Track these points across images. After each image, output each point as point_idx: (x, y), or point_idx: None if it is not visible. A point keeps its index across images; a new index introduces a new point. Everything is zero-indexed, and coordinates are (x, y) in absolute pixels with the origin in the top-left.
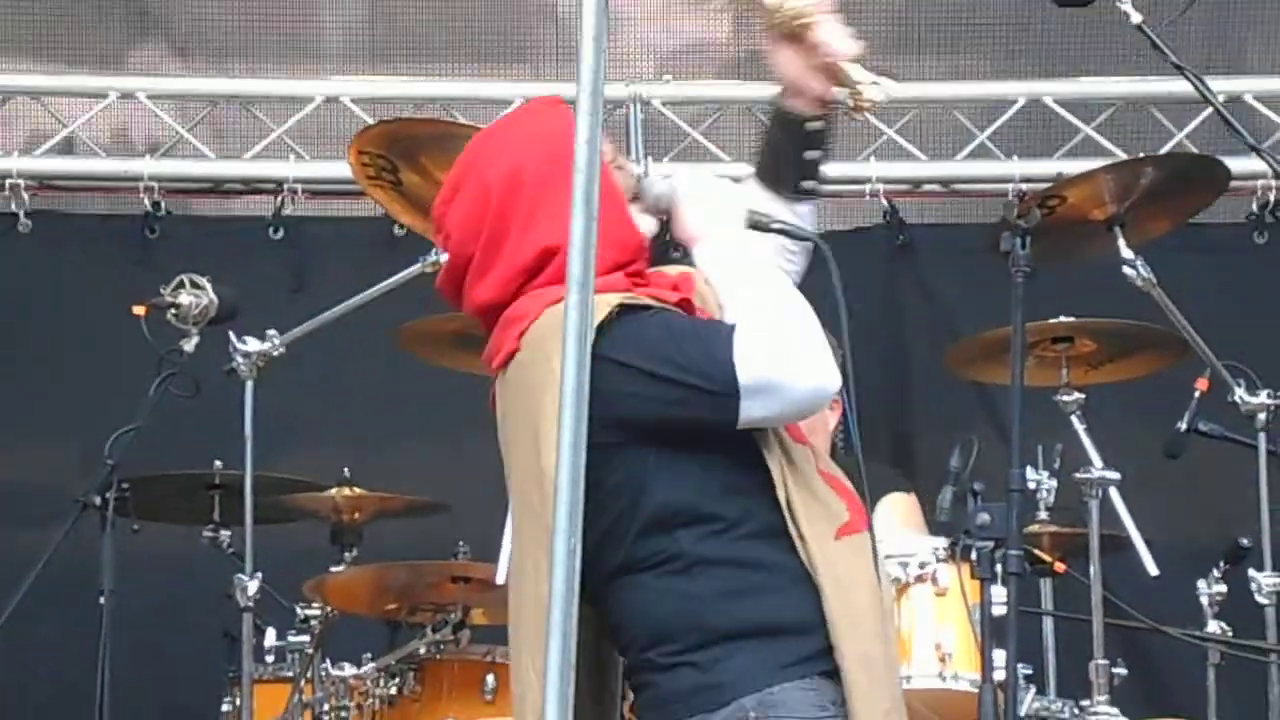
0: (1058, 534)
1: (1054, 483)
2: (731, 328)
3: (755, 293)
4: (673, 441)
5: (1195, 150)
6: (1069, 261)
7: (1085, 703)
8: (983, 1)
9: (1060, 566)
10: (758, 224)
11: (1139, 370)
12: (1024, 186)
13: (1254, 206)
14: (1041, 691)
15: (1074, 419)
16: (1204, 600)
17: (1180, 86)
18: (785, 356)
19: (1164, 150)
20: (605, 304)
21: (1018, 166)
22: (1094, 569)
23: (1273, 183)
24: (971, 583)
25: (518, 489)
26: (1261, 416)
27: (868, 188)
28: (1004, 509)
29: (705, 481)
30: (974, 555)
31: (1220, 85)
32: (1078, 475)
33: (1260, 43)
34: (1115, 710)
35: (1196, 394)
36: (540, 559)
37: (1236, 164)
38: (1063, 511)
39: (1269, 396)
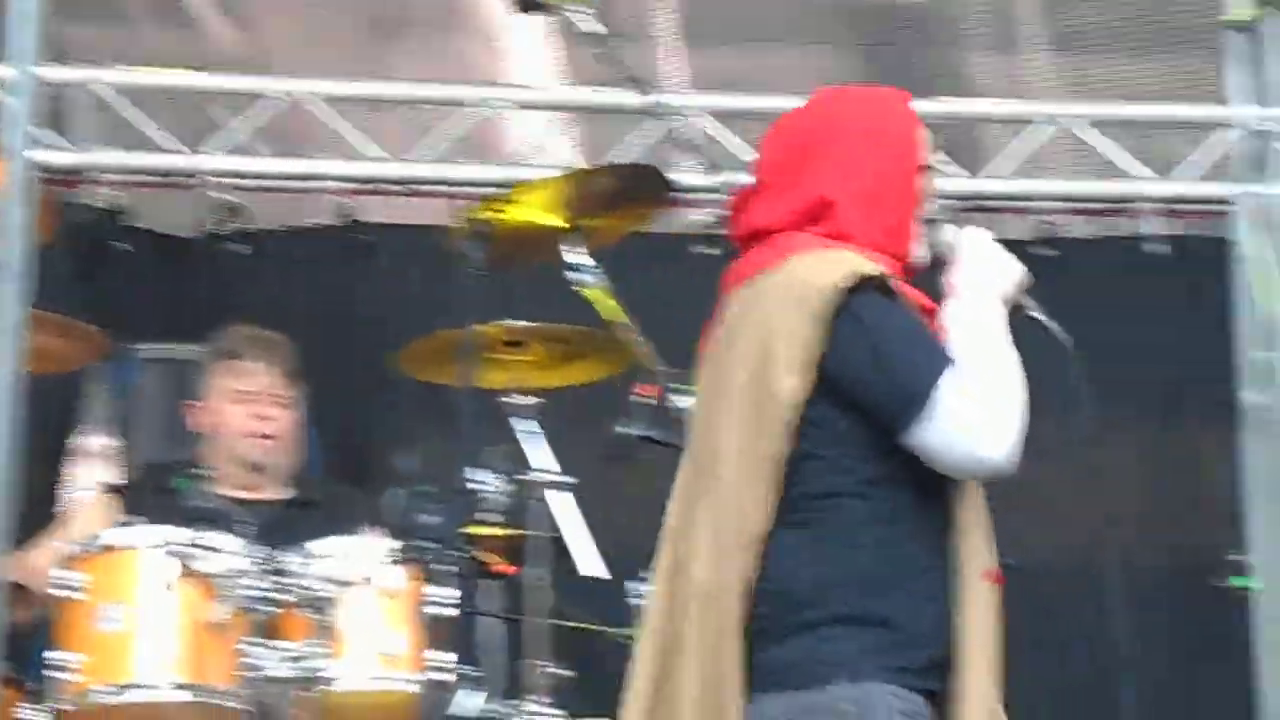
0: (508, 536)
1: (505, 485)
2: (951, 359)
3: (989, 357)
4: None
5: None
6: (523, 266)
7: (526, 703)
8: None
9: (505, 568)
10: (1019, 305)
11: (591, 375)
12: (482, 191)
13: (700, 218)
14: (486, 692)
15: (526, 422)
16: (634, 601)
17: (636, 99)
18: (978, 420)
19: (614, 160)
20: (866, 263)
21: (477, 171)
22: (536, 571)
23: (720, 196)
24: (420, 584)
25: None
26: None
27: (322, 185)
28: (450, 510)
29: (889, 467)
30: (432, 557)
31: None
32: (527, 477)
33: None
34: (558, 711)
35: (641, 399)
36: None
37: (683, 177)
38: (514, 514)
39: None
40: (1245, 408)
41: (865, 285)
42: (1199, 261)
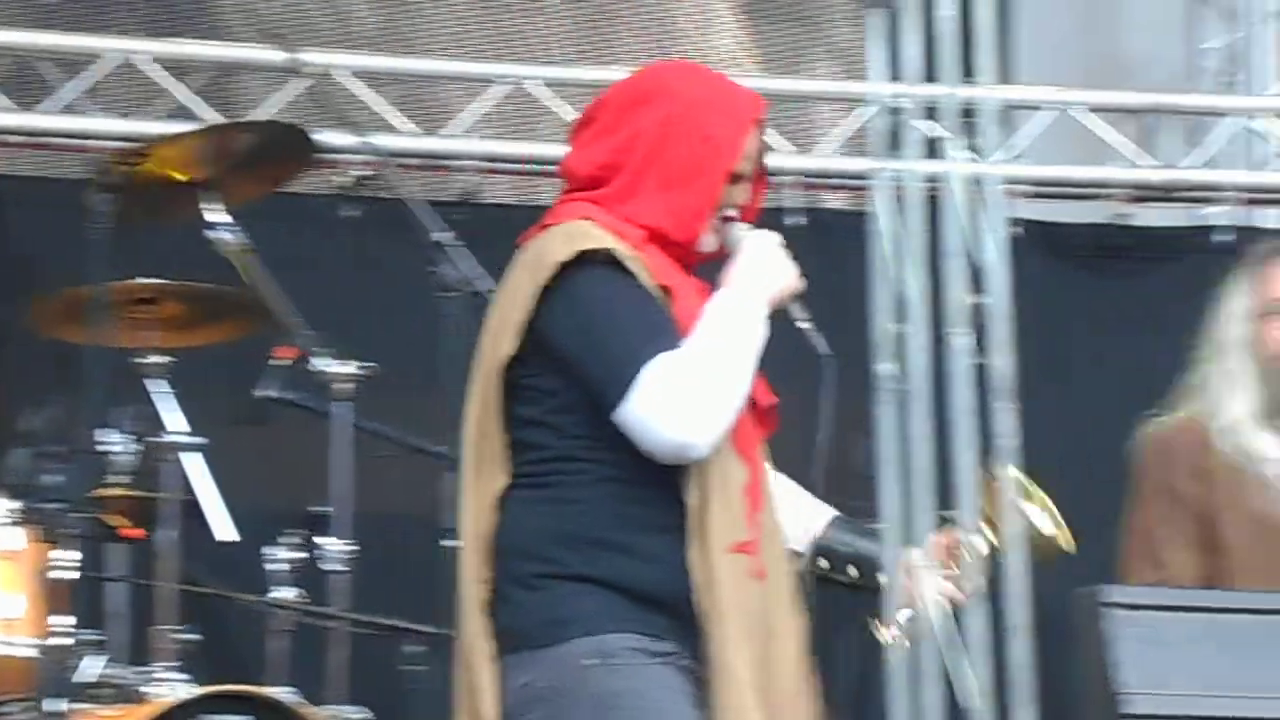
0: (138, 499)
1: (134, 446)
2: (666, 351)
3: (718, 348)
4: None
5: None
6: (159, 224)
7: (153, 669)
8: None
9: (130, 532)
10: (785, 309)
11: (227, 335)
12: (115, 145)
13: (344, 180)
14: (108, 656)
15: (157, 382)
16: (277, 566)
17: (275, 56)
18: (675, 406)
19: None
20: (595, 237)
21: (115, 125)
22: (165, 534)
23: (365, 158)
24: (42, 547)
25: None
26: (342, 387)
27: None
28: (76, 471)
29: (621, 435)
30: (56, 519)
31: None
32: (158, 439)
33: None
34: (186, 676)
35: (279, 362)
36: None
37: (327, 138)
38: (145, 476)
39: (356, 368)
40: (879, 380)
41: (589, 260)
42: (837, 235)
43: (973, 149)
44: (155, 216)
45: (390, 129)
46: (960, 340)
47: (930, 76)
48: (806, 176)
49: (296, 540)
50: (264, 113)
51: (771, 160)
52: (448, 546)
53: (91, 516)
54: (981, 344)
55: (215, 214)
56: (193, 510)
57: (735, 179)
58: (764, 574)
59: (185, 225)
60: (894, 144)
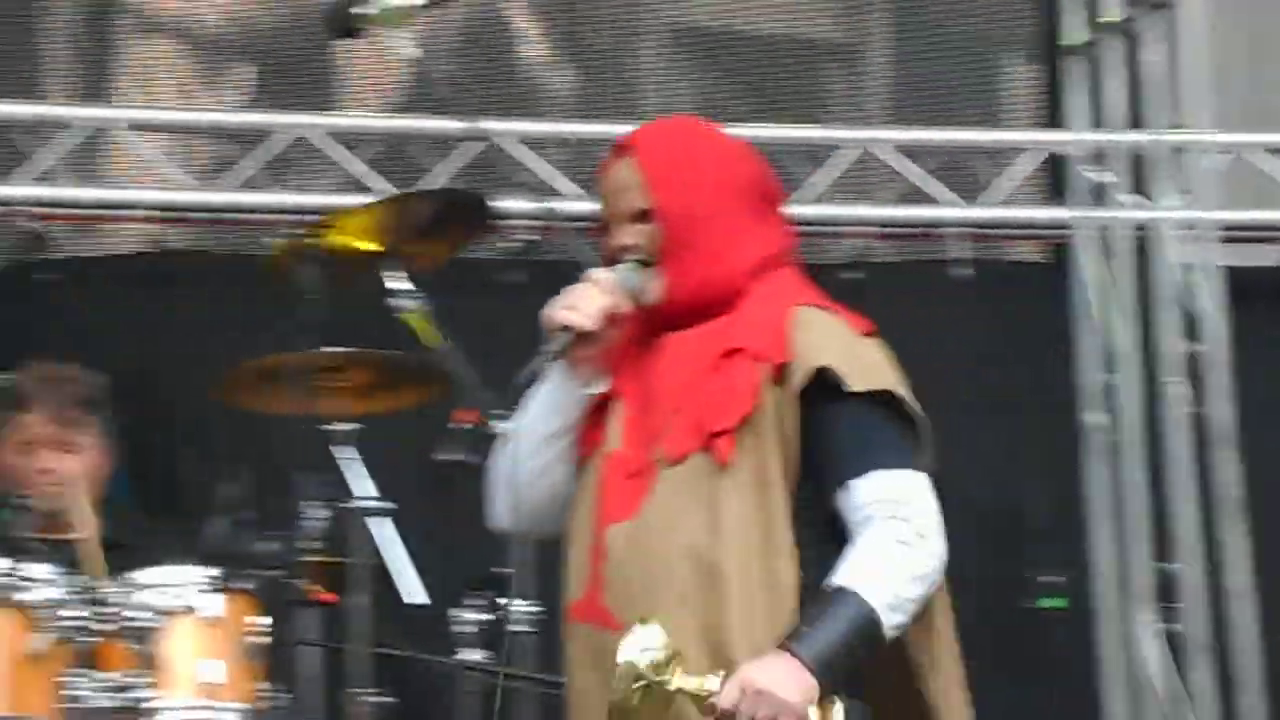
0: (329, 564)
1: (325, 512)
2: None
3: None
4: None
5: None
6: (342, 293)
7: None
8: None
9: (326, 596)
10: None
11: (411, 400)
12: (290, 218)
13: (512, 245)
14: None
15: (345, 449)
16: (464, 628)
17: (444, 124)
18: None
19: (427, 186)
20: None
21: (289, 198)
22: (356, 598)
23: (534, 223)
24: (240, 613)
25: None
26: None
27: (131, 212)
28: (285, 538)
29: None
30: (253, 585)
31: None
32: (348, 504)
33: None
34: None
35: (456, 425)
36: None
37: (500, 203)
38: (336, 541)
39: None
40: (1087, 429)
41: None
42: (1005, 284)
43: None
44: (338, 286)
45: (556, 194)
46: (1176, 389)
47: (1097, 123)
48: (975, 228)
49: (483, 602)
50: (432, 181)
51: (938, 212)
52: None
53: (288, 582)
54: (1197, 392)
55: (397, 281)
56: (382, 574)
57: (606, 226)
58: (608, 623)
59: (366, 294)
60: (1058, 191)
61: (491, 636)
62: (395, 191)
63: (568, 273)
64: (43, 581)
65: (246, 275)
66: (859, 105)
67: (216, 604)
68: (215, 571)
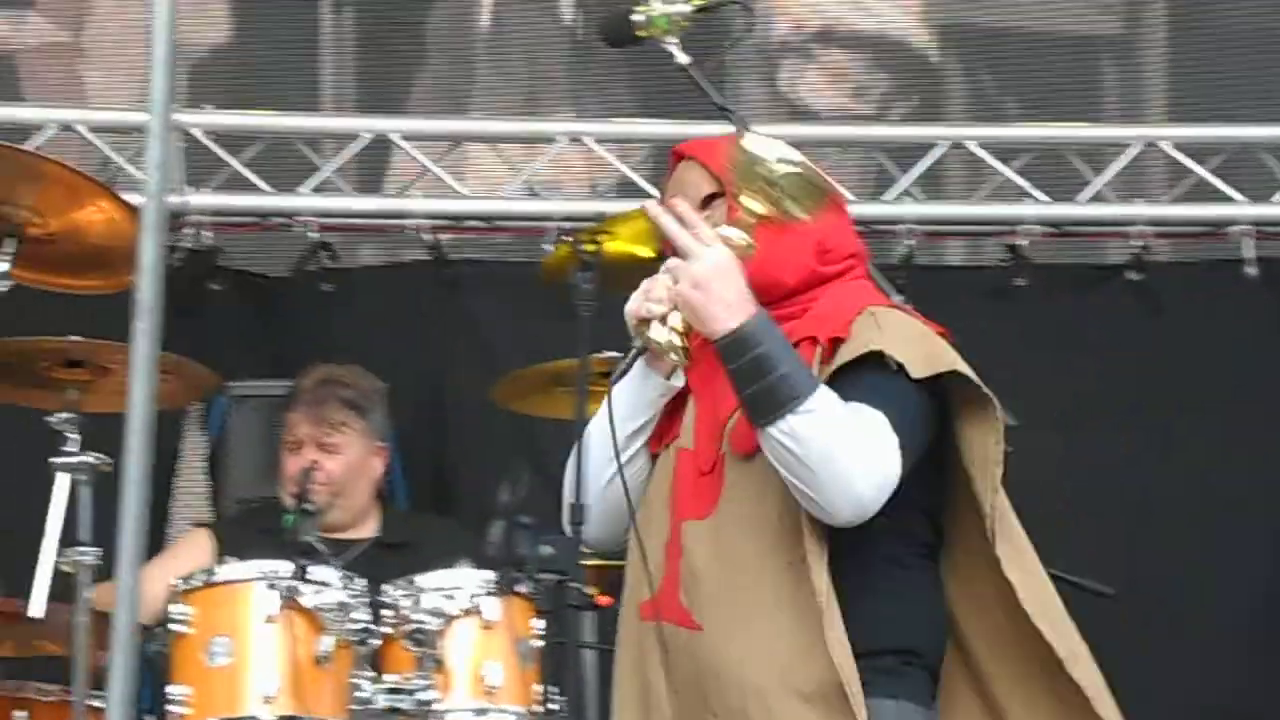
0: (607, 567)
1: None
2: None
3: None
4: None
5: None
6: (619, 298)
7: None
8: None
9: (605, 600)
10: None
11: None
12: (565, 225)
13: None
14: None
15: None
16: None
17: (711, 129)
18: None
19: None
20: None
21: (559, 205)
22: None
23: None
24: (519, 616)
25: None
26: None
27: (411, 221)
28: (566, 542)
29: None
30: (531, 588)
31: (771, 130)
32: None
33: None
34: None
35: None
36: None
37: None
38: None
39: None
40: None
41: None
42: None
43: None
44: (614, 291)
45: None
46: None
47: None
48: (1263, 225)
49: None
50: None
51: (1226, 210)
52: None
53: (567, 585)
54: None
55: None
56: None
57: None
58: (685, 622)
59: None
60: None
61: None
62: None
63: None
64: (328, 585)
65: (524, 281)
66: (1136, 101)
67: (496, 607)
68: (495, 574)
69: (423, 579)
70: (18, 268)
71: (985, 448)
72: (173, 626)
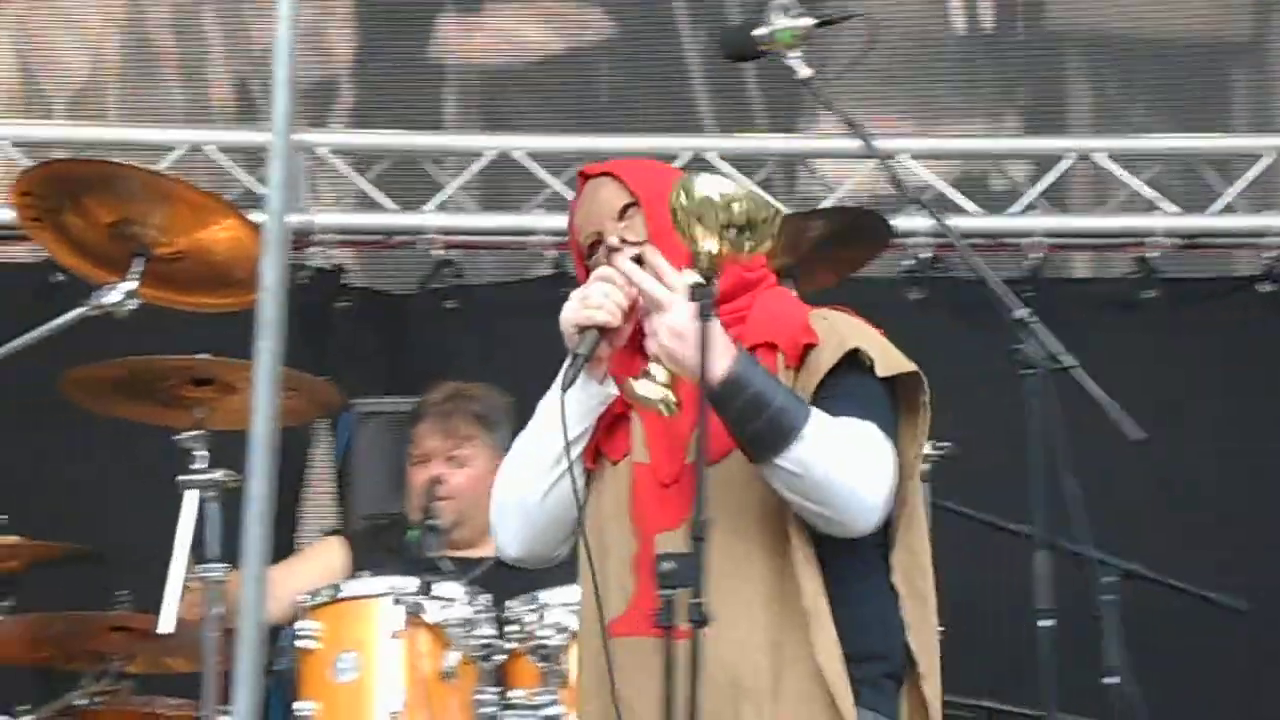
0: None
1: None
2: None
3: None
4: None
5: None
6: None
7: None
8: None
9: None
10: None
11: None
12: None
13: (910, 262)
14: None
15: None
16: None
17: (843, 143)
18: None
19: (826, 204)
20: None
21: None
22: None
23: (929, 240)
24: None
25: None
26: (921, 467)
27: (534, 238)
28: (686, 557)
29: None
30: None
31: (895, 145)
32: None
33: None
34: None
35: None
36: None
37: (899, 221)
38: None
39: (932, 448)
40: None
41: None
42: None
43: None
44: None
45: (956, 209)
46: None
47: None
48: None
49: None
50: (832, 199)
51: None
52: (1043, 627)
53: (697, 601)
54: None
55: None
56: None
57: (589, 248)
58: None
59: None
60: None
61: None
62: (790, 210)
63: (968, 289)
64: (453, 600)
65: None
66: (1267, 109)
67: None
68: None
69: (547, 594)
70: (145, 286)
71: (909, 453)
72: (300, 642)
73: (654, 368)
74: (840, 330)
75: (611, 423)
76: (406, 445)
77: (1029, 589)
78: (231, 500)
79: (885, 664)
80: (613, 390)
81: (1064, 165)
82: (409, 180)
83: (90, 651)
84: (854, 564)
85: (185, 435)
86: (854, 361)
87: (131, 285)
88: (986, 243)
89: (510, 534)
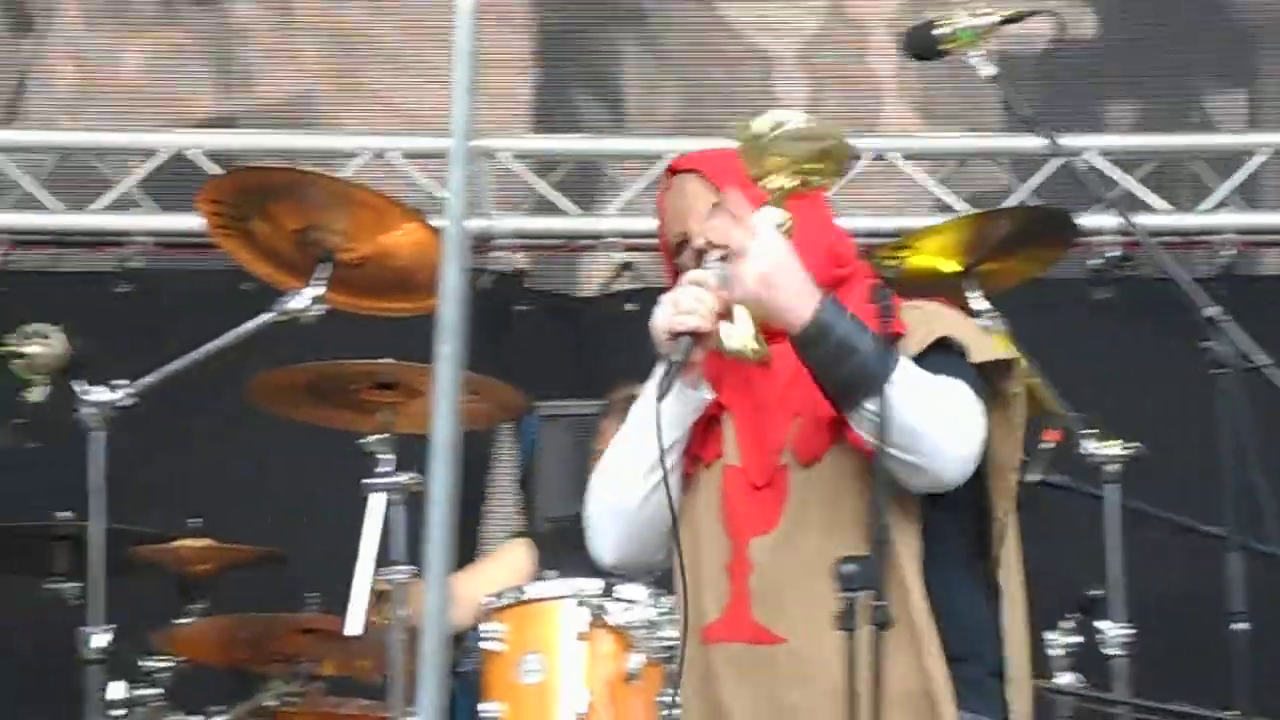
0: None
1: None
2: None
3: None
4: None
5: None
6: None
7: None
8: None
9: None
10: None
11: None
12: (868, 242)
13: (1097, 261)
14: None
15: None
16: (1056, 651)
17: (1022, 142)
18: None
19: (1007, 204)
20: None
21: (861, 222)
22: None
23: (1116, 238)
24: None
25: None
26: (1111, 468)
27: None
28: (869, 561)
29: None
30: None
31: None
32: None
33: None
34: None
35: (1045, 445)
36: None
37: (1085, 220)
38: None
39: (1121, 448)
40: None
41: None
42: None
43: None
44: None
45: (1146, 208)
46: None
47: None
48: None
49: (1073, 625)
50: (1013, 199)
51: None
52: (1236, 630)
53: (882, 604)
54: None
55: (977, 301)
56: None
57: (677, 247)
58: (762, 638)
59: None
60: None
61: (1083, 659)
62: (973, 210)
63: (1157, 288)
64: (636, 602)
65: None
66: None
67: None
68: None
69: None
70: (330, 291)
71: (1005, 447)
72: (485, 644)
73: (739, 316)
74: (930, 319)
75: (705, 424)
76: (590, 447)
77: (1221, 591)
78: (417, 503)
79: (984, 664)
80: (707, 395)
81: (1256, 162)
82: (589, 184)
83: (281, 653)
84: (952, 563)
85: (370, 439)
86: (944, 347)
87: (317, 291)
88: (1176, 240)
89: (606, 542)
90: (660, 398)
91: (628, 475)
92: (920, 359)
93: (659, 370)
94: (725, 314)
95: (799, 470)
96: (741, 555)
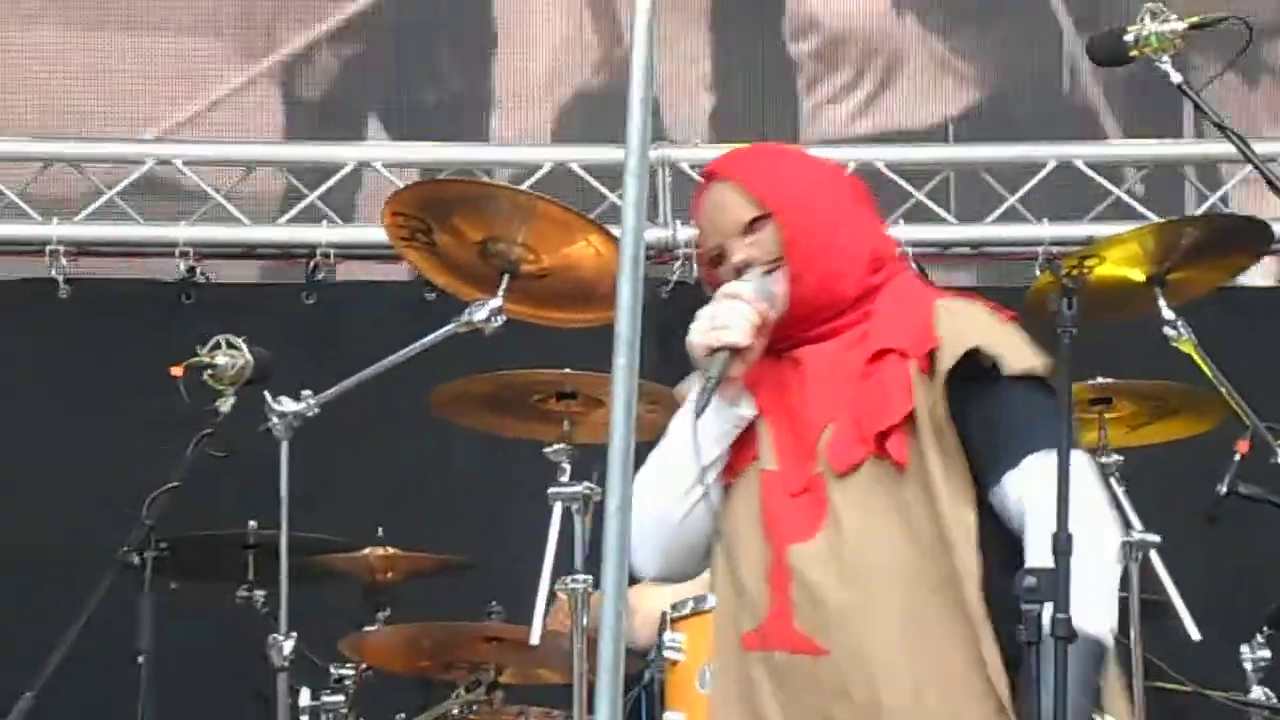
0: None
1: None
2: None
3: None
4: None
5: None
6: (1106, 322)
7: None
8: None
9: None
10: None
11: (1178, 432)
12: (1054, 250)
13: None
14: None
15: (1112, 481)
16: (1248, 666)
17: (1210, 148)
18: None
19: (1198, 212)
20: None
21: (1048, 230)
22: (1134, 632)
23: None
24: None
25: None
26: None
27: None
28: (1049, 573)
29: None
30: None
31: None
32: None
33: None
34: None
35: (1236, 456)
36: None
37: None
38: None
39: None
40: None
41: None
42: None
43: None
44: (1103, 316)
45: None
46: None
47: None
48: None
49: (1265, 639)
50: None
51: None
52: None
53: (1062, 617)
54: None
55: (1166, 310)
56: (1153, 608)
57: (714, 260)
58: (804, 648)
59: (1129, 324)
60: None
61: (1274, 674)
62: (1161, 219)
63: None
64: None
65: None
66: None
67: None
68: None
69: None
70: (512, 302)
71: None
72: (665, 654)
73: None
74: (960, 326)
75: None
76: None
77: None
78: (599, 513)
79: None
80: (746, 411)
81: None
82: None
83: (464, 661)
84: (1004, 570)
85: (553, 448)
86: (983, 364)
87: (499, 302)
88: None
89: (648, 554)
90: (698, 414)
91: (668, 492)
92: (962, 381)
93: (695, 385)
94: (764, 328)
95: (835, 479)
96: (781, 562)
